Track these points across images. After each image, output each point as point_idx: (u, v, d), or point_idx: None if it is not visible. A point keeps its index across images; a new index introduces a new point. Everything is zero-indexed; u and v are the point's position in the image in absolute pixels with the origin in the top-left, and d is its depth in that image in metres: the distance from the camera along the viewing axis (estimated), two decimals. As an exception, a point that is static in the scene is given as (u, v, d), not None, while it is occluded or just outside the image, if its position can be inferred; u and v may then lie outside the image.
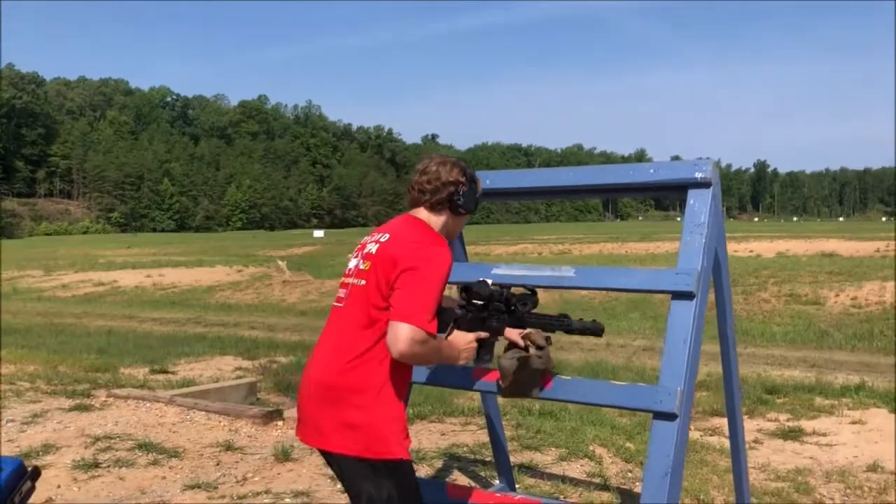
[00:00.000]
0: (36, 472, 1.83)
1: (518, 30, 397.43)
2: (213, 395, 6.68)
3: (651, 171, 2.78)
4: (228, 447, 5.18)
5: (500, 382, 2.55)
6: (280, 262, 26.47)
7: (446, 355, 2.30)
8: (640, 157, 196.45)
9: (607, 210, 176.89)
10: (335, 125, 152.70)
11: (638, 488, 4.42)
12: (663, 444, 2.40)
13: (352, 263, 2.38)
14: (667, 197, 2.82)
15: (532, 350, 2.50)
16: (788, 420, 6.73)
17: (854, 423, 6.81)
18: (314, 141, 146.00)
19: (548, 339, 2.54)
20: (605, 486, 4.41)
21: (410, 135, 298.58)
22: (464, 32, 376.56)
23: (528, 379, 2.54)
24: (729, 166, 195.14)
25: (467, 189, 2.38)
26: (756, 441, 6.79)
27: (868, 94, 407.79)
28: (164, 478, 4.59)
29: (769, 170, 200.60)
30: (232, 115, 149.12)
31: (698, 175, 2.67)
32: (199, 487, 4.37)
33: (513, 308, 2.51)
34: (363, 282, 2.27)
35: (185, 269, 27.38)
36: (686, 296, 2.53)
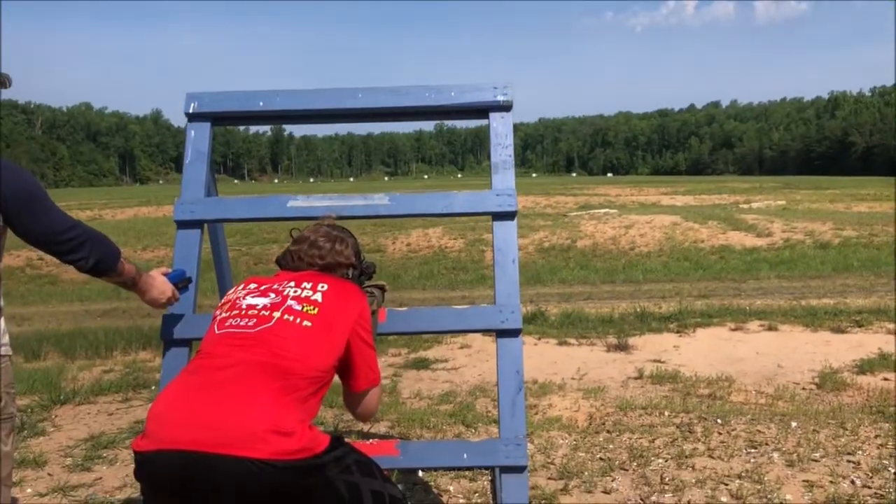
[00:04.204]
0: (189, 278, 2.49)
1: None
2: None
3: (452, 93, 2.72)
4: None
5: None
6: None
7: None
8: (155, 118, 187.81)
9: (124, 173, 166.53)
10: None
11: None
12: (513, 361, 2.42)
13: (259, 300, 1.93)
14: (466, 119, 2.80)
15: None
16: (421, 350, 7.41)
17: (462, 347, 7.75)
18: None
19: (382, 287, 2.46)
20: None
21: None
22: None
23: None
24: (247, 130, 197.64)
25: (358, 273, 2.24)
26: (395, 375, 7.23)
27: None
28: None
29: (285, 133, 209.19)
30: None
31: (500, 98, 2.71)
32: None
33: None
34: (308, 323, 1.85)
35: None
36: (509, 216, 2.57)
